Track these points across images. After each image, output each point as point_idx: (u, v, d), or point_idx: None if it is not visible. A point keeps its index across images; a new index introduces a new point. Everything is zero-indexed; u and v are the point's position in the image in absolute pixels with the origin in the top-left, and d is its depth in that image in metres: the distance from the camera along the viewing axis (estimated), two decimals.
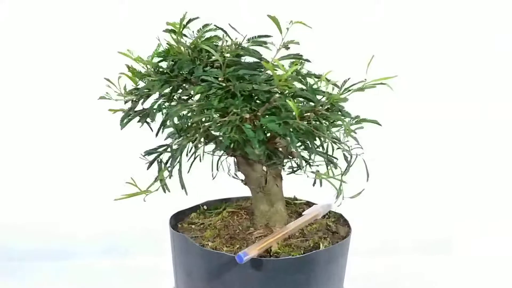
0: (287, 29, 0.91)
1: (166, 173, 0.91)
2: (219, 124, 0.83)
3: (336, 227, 1.01)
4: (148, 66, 0.90)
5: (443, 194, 1.54)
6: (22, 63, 1.56)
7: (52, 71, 1.56)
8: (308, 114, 0.84)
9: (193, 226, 1.04)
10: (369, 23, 1.57)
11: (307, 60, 0.94)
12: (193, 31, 0.92)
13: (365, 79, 0.86)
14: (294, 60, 0.93)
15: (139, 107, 0.94)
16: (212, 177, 0.99)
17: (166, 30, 0.91)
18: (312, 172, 0.94)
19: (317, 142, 0.91)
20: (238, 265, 0.83)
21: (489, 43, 1.58)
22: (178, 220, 1.07)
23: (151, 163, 0.93)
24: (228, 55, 0.89)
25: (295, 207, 1.09)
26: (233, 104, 0.83)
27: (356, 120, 0.91)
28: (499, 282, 1.30)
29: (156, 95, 0.91)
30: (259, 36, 0.93)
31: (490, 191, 1.55)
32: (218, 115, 0.86)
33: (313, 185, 0.94)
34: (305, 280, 0.89)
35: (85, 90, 1.54)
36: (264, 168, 0.96)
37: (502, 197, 1.55)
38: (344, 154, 0.93)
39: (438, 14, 1.58)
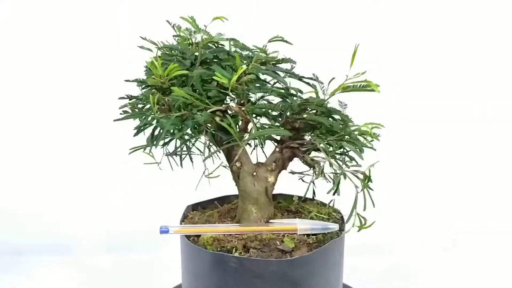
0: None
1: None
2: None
3: (281, 244, 0.92)
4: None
5: (445, 194, 1.54)
6: (22, 63, 1.56)
7: (52, 71, 1.56)
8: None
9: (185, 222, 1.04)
10: (369, 23, 1.57)
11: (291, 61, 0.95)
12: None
13: (347, 75, 0.86)
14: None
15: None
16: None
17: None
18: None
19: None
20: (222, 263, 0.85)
21: (489, 43, 1.58)
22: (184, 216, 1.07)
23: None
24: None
25: (304, 209, 1.06)
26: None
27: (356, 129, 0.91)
28: (500, 282, 1.30)
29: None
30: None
31: (491, 192, 1.55)
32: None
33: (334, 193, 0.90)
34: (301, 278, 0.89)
35: (84, 90, 1.55)
36: (238, 164, 0.95)
37: (504, 196, 1.54)
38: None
39: (438, 14, 1.58)
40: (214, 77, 0.84)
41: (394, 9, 1.57)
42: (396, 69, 1.55)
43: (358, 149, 0.88)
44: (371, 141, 0.91)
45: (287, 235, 0.93)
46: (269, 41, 0.95)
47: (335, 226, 0.93)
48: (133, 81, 0.92)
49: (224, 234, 0.94)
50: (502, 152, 1.59)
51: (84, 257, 1.41)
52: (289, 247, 0.90)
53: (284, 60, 0.94)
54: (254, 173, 0.96)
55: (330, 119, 0.93)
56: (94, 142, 1.55)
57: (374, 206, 0.85)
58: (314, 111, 0.93)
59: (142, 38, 0.94)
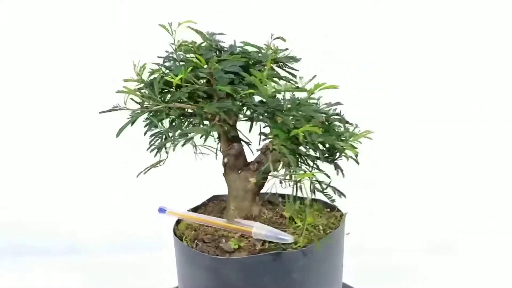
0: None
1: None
2: None
3: (225, 243, 0.92)
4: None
5: (445, 194, 1.54)
6: (22, 63, 1.56)
7: (52, 71, 1.56)
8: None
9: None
10: (369, 23, 1.57)
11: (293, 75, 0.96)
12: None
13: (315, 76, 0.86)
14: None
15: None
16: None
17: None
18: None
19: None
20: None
21: (489, 43, 1.58)
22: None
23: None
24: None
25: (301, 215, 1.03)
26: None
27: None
28: (500, 283, 1.30)
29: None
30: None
31: (492, 192, 1.55)
32: None
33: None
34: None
35: (85, 89, 1.56)
36: (225, 159, 0.96)
37: (504, 196, 1.54)
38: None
39: (438, 14, 1.58)
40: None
41: (394, 9, 1.57)
42: (396, 69, 1.55)
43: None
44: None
45: (240, 236, 0.93)
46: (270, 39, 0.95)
47: (288, 238, 0.88)
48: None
49: (200, 224, 0.97)
50: (502, 152, 1.59)
51: (84, 258, 1.41)
52: (230, 248, 0.90)
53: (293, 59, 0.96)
54: (239, 171, 0.96)
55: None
56: (93, 142, 1.55)
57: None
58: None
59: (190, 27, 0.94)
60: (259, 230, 0.90)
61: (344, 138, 0.88)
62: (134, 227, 1.47)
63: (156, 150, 0.92)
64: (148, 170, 0.93)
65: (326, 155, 0.89)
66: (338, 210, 1.04)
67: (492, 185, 1.55)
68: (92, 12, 1.55)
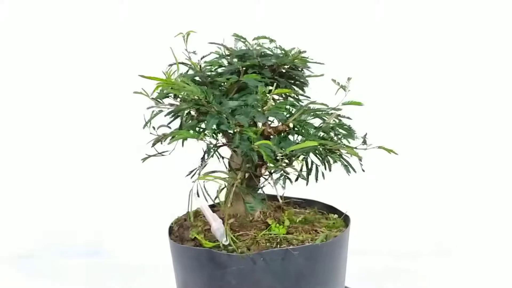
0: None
1: None
2: None
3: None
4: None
5: (445, 194, 1.54)
6: (22, 62, 1.56)
7: (52, 71, 1.56)
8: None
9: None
10: (368, 23, 1.57)
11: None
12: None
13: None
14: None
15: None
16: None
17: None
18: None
19: None
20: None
21: (489, 42, 1.58)
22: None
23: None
24: None
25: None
26: None
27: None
28: (499, 283, 1.30)
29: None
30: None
31: (490, 193, 1.55)
32: None
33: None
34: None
35: (85, 89, 1.55)
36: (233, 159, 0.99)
37: (502, 199, 1.54)
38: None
39: (439, 14, 1.58)
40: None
41: (394, 8, 1.57)
42: (397, 69, 1.55)
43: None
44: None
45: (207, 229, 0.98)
46: (254, 39, 0.99)
47: (222, 240, 0.92)
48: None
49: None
50: (504, 154, 1.59)
51: (85, 258, 1.41)
52: (189, 237, 0.98)
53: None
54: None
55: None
56: (94, 142, 1.55)
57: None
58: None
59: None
60: (215, 227, 0.94)
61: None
62: (135, 227, 1.46)
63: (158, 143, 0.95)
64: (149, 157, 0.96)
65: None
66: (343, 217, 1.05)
67: (492, 186, 1.55)
68: (92, 11, 1.55)
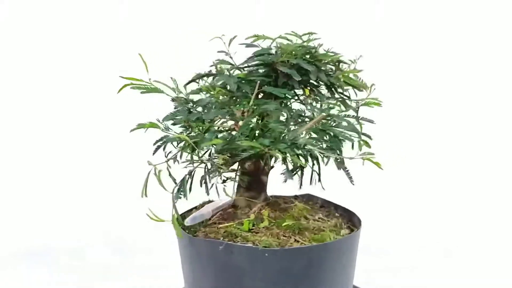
0: None
1: None
2: None
3: None
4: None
5: (445, 194, 1.54)
6: (22, 63, 1.56)
7: (52, 71, 1.56)
8: None
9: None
10: (369, 22, 1.57)
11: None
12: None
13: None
14: None
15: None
16: None
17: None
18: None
19: None
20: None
21: (489, 42, 1.58)
22: None
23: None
24: None
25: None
26: None
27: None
28: (500, 283, 1.30)
29: None
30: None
31: (491, 194, 1.55)
32: None
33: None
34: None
35: (85, 89, 1.56)
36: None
37: (503, 200, 1.54)
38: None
39: (439, 14, 1.58)
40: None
41: (394, 9, 1.57)
42: (398, 70, 1.55)
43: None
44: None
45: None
46: (246, 38, 1.00)
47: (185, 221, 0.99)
48: None
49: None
50: (505, 155, 1.59)
51: (88, 258, 1.41)
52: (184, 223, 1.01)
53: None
54: None
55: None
56: (93, 143, 1.55)
57: None
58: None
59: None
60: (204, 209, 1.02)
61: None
62: (135, 228, 1.47)
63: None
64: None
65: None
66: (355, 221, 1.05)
67: (491, 187, 1.55)
68: (92, 11, 1.55)
